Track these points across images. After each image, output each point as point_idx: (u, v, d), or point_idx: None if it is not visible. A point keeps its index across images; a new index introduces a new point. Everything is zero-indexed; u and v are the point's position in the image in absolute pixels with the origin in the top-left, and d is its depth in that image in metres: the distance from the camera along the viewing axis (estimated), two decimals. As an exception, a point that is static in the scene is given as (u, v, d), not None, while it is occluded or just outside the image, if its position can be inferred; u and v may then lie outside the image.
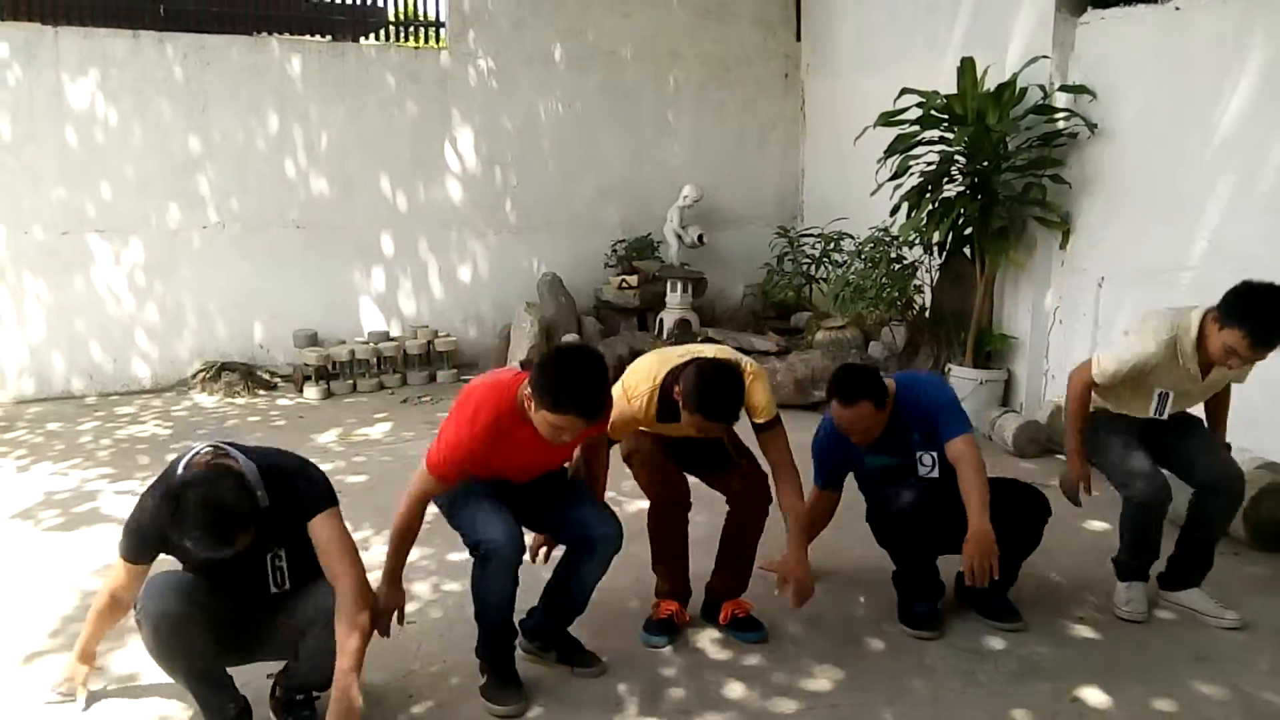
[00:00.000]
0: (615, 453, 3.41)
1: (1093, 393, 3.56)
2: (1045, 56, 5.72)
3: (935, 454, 3.32)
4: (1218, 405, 3.71)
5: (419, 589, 3.65)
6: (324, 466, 5.17)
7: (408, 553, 2.94)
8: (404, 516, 2.86)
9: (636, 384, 3.19)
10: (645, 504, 3.44)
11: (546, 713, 2.81)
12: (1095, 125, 5.45)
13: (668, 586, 3.41)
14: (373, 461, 5.46)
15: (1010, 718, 2.78)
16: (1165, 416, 3.49)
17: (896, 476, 3.39)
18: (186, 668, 2.57)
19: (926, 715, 2.80)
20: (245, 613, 2.66)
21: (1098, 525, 4.35)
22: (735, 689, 2.94)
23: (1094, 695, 2.90)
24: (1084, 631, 3.34)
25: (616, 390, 3.13)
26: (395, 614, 2.88)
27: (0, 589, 3.75)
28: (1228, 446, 3.70)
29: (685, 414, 3.02)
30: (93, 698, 2.87)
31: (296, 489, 2.62)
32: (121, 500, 4.79)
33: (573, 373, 2.66)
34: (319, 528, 2.60)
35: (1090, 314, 5.59)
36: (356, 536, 4.06)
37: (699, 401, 2.96)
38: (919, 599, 3.39)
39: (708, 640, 3.27)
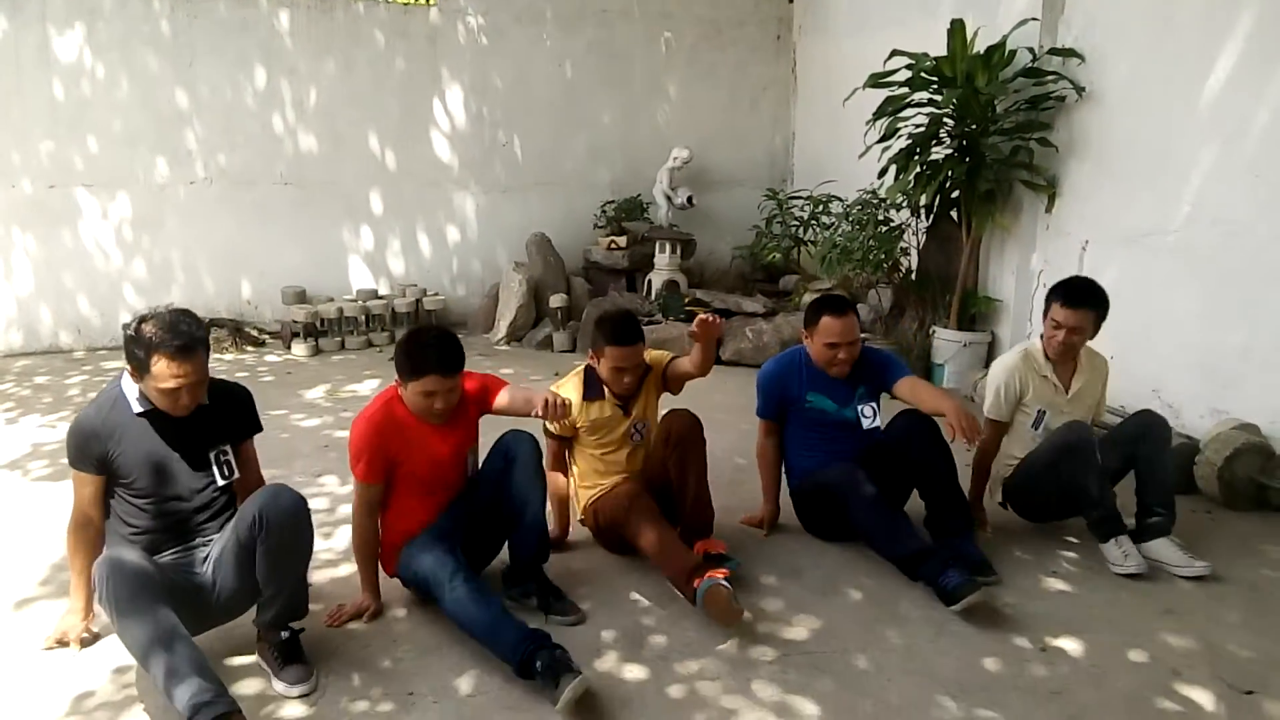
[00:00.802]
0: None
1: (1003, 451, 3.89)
2: (1035, 19, 5.72)
3: (876, 405, 3.72)
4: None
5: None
6: (312, 422, 5.30)
7: (375, 561, 3.19)
8: (357, 530, 3.15)
9: (564, 381, 3.60)
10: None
11: (529, 658, 2.86)
12: (1083, 89, 5.46)
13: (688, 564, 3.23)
14: (360, 417, 5.49)
15: (982, 666, 2.85)
16: (1041, 431, 3.78)
17: (823, 429, 3.70)
18: (152, 619, 2.50)
19: (900, 663, 2.86)
20: (189, 581, 2.74)
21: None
22: (714, 636, 3.00)
23: (1065, 645, 2.97)
24: (1056, 585, 3.40)
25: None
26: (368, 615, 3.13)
27: (-10, 536, 3.79)
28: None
29: (602, 361, 3.47)
30: (85, 642, 2.91)
31: (241, 399, 3.00)
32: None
33: (419, 341, 3.02)
34: (250, 446, 3.04)
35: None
36: (343, 491, 4.13)
37: (604, 332, 3.45)
38: (930, 566, 3.25)
39: (688, 591, 3.32)
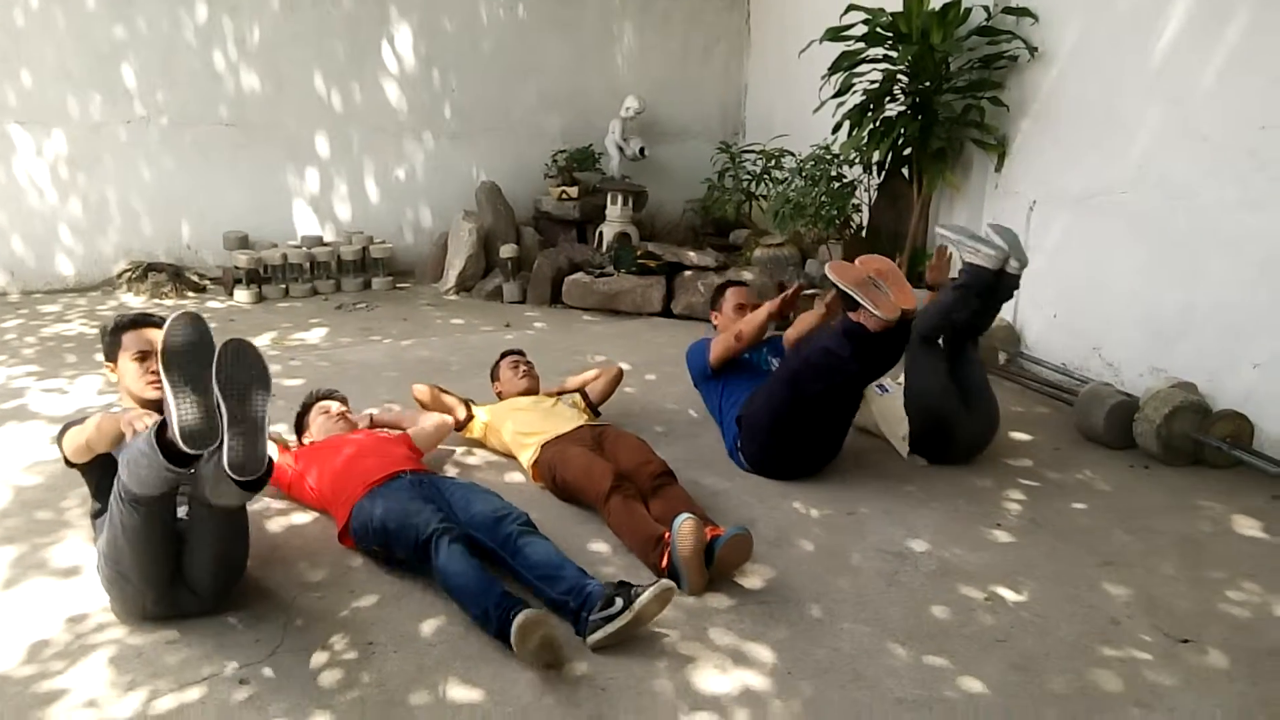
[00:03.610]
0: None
1: None
2: (990, -23, 5.75)
3: (777, 359, 4.31)
4: None
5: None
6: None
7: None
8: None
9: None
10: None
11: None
12: (1035, 49, 5.52)
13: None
14: (309, 366, 5.43)
15: (930, 613, 2.93)
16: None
17: (744, 375, 4.19)
18: (153, 555, 2.56)
19: (851, 611, 2.93)
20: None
21: (1018, 436, 4.54)
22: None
23: (1010, 594, 3.07)
24: (1000, 536, 3.51)
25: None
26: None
27: (-73, 484, 3.69)
28: None
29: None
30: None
31: None
32: (49, 398, 4.71)
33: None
34: None
35: (1021, 237, 5.72)
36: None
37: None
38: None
39: (644, 541, 3.36)
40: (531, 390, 4.33)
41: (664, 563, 3.04)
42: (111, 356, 2.96)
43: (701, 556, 2.99)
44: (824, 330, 3.79)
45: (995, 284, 4.07)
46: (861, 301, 3.34)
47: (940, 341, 4.21)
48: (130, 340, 2.92)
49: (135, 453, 2.41)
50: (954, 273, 4.33)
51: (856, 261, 3.51)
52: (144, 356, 2.88)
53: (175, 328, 2.40)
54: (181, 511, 2.72)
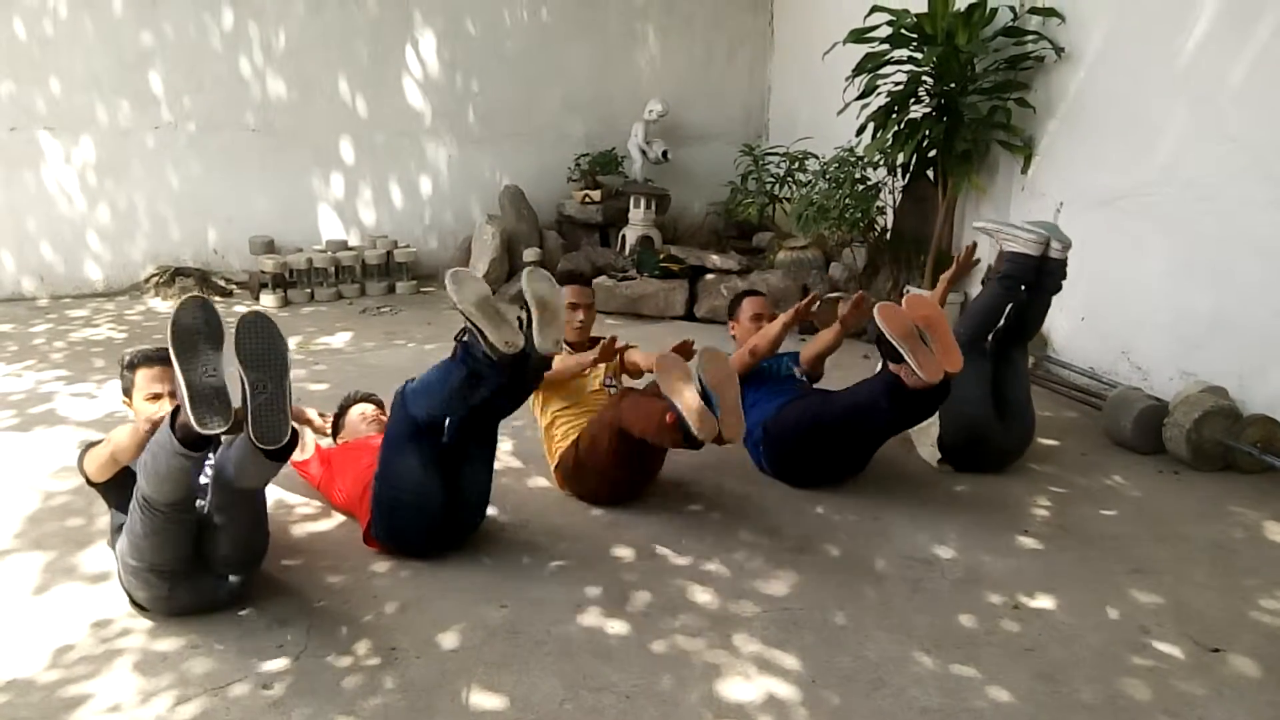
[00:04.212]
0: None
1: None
2: (1016, -22, 5.70)
3: (797, 367, 4.23)
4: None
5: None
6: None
7: None
8: None
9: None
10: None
11: (511, 613, 2.88)
12: (1062, 49, 5.46)
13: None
14: (334, 370, 5.45)
15: (957, 622, 2.90)
16: None
17: (766, 384, 4.12)
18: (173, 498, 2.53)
19: (877, 619, 2.91)
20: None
21: (1045, 441, 4.49)
22: (695, 593, 3.03)
23: (1037, 602, 3.03)
24: (1028, 543, 3.47)
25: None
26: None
27: (-42, 488, 3.73)
28: None
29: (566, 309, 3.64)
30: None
31: None
32: (77, 402, 4.75)
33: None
34: None
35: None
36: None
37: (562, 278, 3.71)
38: None
39: (668, 548, 3.35)
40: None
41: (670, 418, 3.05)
42: (127, 393, 2.95)
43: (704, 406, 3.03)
44: (865, 383, 3.66)
45: (1040, 271, 3.99)
46: (906, 359, 3.22)
47: (986, 347, 4.12)
48: (143, 380, 2.88)
49: (153, 446, 2.44)
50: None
51: (904, 303, 3.35)
52: (156, 398, 2.86)
53: (184, 310, 2.42)
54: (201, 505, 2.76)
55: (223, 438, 2.51)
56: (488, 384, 2.89)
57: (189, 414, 2.31)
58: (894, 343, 3.22)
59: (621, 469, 3.53)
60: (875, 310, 3.30)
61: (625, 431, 3.32)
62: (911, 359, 3.20)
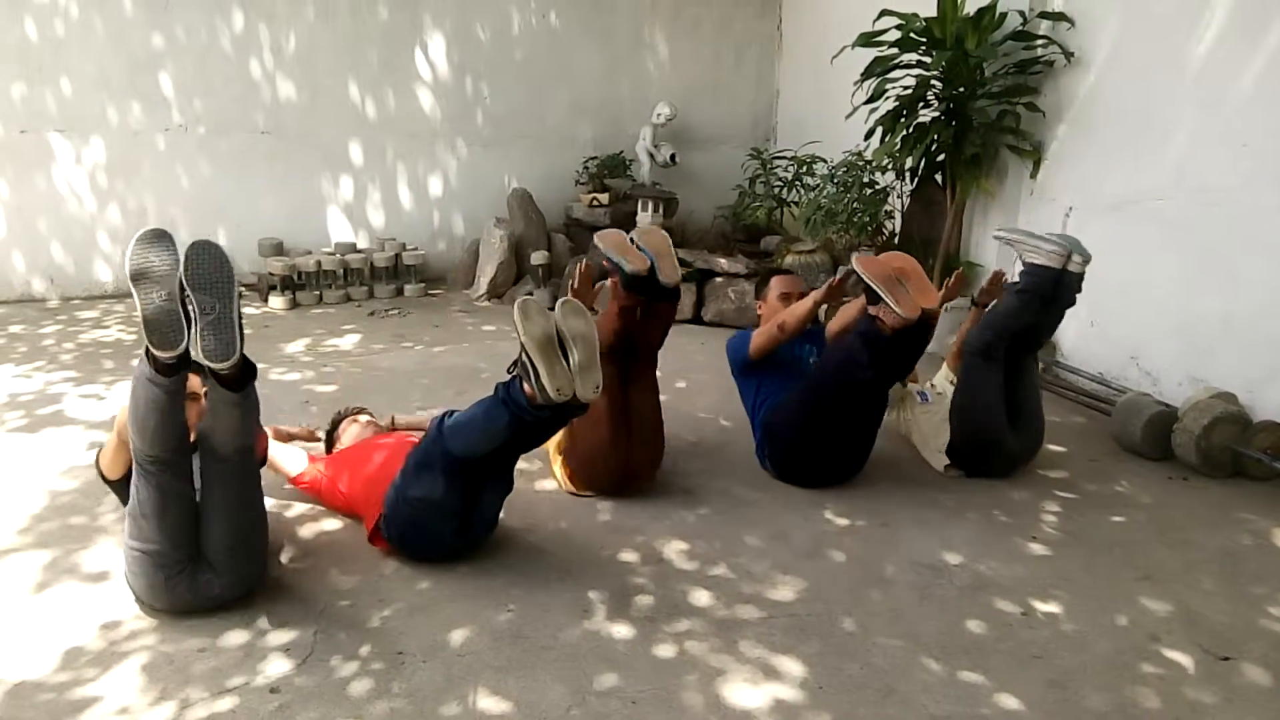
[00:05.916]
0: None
1: None
2: (1026, -18, 5.69)
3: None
4: None
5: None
6: (292, 376, 5.26)
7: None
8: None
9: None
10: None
11: (517, 617, 2.87)
12: (1072, 54, 5.45)
13: None
14: (342, 372, 5.45)
15: (966, 629, 2.89)
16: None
17: (781, 370, 4.07)
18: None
19: (884, 624, 2.90)
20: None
21: (1054, 447, 4.48)
22: (701, 597, 3.03)
23: (1046, 609, 3.02)
24: (1036, 549, 3.45)
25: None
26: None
27: (-33, 488, 3.74)
28: None
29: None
30: None
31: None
32: (86, 404, 4.76)
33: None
34: None
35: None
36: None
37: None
38: None
39: (675, 552, 3.34)
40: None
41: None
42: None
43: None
44: (842, 339, 3.74)
45: (1058, 285, 3.98)
46: (884, 296, 3.36)
47: (999, 354, 4.08)
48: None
49: (133, 383, 2.56)
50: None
51: (881, 257, 3.54)
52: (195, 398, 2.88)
53: (140, 240, 2.51)
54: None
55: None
56: (528, 428, 2.90)
57: (145, 337, 2.44)
58: (872, 284, 3.40)
59: (619, 431, 3.64)
60: (854, 260, 3.52)
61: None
62: (889, 296, 3.35)
